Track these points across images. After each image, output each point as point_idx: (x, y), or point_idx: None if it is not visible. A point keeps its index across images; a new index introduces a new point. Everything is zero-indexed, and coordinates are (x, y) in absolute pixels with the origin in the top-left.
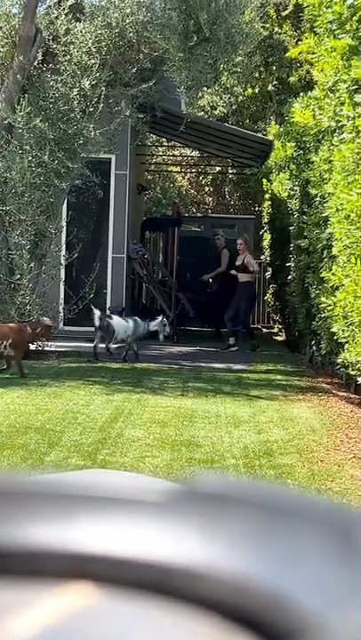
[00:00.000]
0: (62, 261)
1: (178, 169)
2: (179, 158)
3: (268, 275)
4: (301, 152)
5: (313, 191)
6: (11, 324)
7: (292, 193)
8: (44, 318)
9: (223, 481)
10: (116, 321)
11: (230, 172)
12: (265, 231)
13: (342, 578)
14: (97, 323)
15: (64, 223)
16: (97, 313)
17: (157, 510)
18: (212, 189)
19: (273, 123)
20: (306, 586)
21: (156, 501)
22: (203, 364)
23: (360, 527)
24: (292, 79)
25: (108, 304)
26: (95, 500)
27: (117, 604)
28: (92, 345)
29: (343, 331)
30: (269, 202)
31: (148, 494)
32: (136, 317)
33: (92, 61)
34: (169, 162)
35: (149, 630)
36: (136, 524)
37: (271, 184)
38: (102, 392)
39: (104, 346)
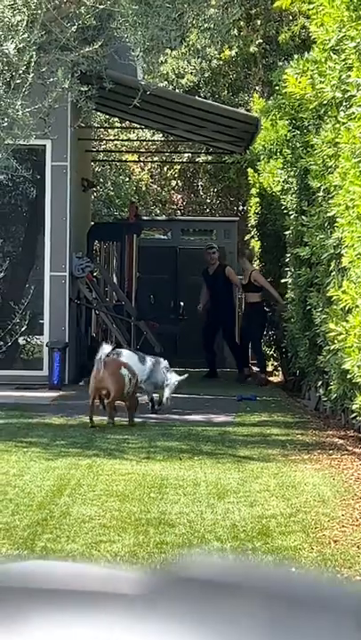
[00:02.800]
0: None
1: (135, 157)
2: (136, 144)
3: None
4: (298, 132)
5: (314, 183)
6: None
7: (286, 186)
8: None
9: (217, 564)
10: (126, 358)
11: (204, 159)
12: (252, 237)
13: None
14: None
15: None
16: (105, 349)
17: (137, 605)
18: (180, 184)
19: (258, 94)
20: None
21: (132, 593)
22: (174, 417)
23: None
24: (282, 37)
25: (46, 338)
26: (54, 593)
27: None
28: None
29: (359, 367)
30: (257, 199)
31: (121, 584)
32: (159, 358)
33: (18, 18)
34: (123, 149)
35: None
36: (111, 623)
37: (259, 175)
38: (41, 457)
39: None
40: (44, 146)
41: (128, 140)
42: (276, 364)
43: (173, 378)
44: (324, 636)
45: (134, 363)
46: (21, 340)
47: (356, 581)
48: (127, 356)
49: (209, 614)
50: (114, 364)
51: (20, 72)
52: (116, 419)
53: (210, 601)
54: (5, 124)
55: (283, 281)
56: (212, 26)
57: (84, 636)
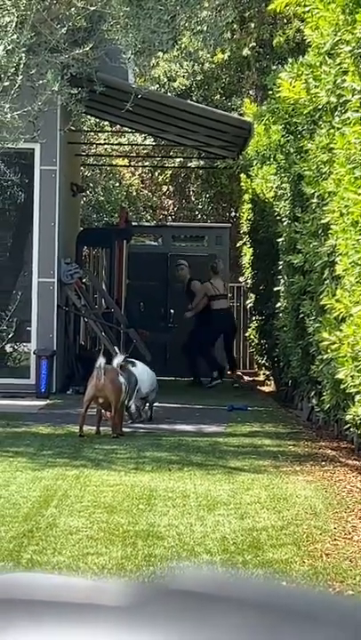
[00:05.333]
0: None
1: (126, 162)
2: (127, 148)
3: (249, 303)
4: (292, 138)
5: (308, 190)
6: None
7: (280, 193)
8: None
9: (205, 576)
10: (141, 369)
11: (196, 165)
12: (244, 244)
13: None
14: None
15: None
16: (118, 358)
17: (122, 616)
18: (172, 189)
19: (251, 99)
20: None
21: (118, 605)
22: (164, 426)
23: None
24: (276, 40)
25: (34, 346)
26: (37, 605)
27: None
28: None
29: (353, 377)
30: (250, 205)
31: (106, 596)
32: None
33: (7, 19)
34: (114, 153)
35: None
36: (95, 635)
37: (252, 181)
38: (27, 467)
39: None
40: (33, 149)
41: (119, 144)
42: (268, 373)
43: None
44: None
45: (149, 376)
46: (8, 348)
47: (349, 595)
48: (141, 367)
49: (197, 626)
50: (112, 371)
51: (9, 74)
52: (101, 428)
53: (198, 612)
54: None
55: (275, 289)
56: (204, 28)
57: None
